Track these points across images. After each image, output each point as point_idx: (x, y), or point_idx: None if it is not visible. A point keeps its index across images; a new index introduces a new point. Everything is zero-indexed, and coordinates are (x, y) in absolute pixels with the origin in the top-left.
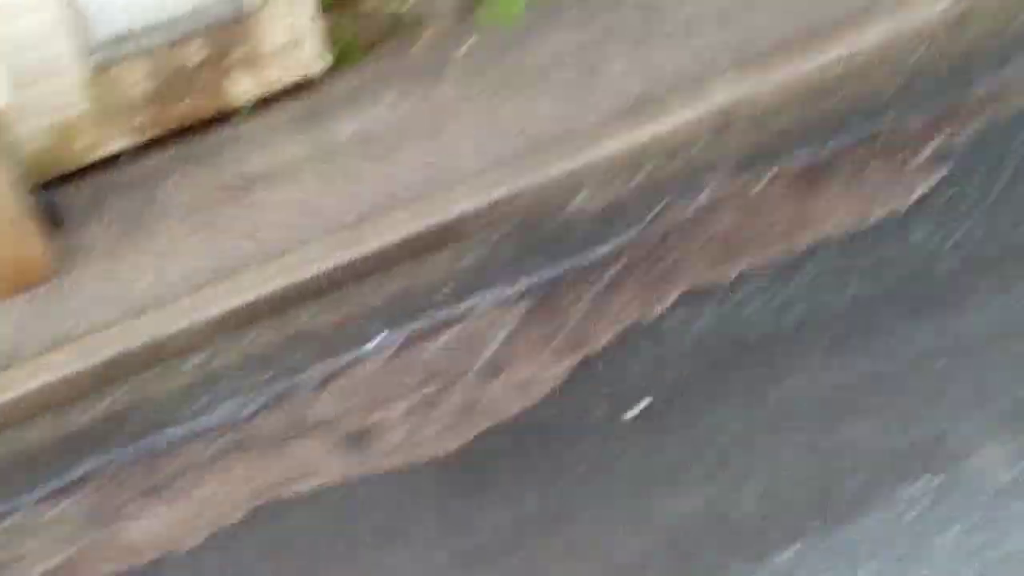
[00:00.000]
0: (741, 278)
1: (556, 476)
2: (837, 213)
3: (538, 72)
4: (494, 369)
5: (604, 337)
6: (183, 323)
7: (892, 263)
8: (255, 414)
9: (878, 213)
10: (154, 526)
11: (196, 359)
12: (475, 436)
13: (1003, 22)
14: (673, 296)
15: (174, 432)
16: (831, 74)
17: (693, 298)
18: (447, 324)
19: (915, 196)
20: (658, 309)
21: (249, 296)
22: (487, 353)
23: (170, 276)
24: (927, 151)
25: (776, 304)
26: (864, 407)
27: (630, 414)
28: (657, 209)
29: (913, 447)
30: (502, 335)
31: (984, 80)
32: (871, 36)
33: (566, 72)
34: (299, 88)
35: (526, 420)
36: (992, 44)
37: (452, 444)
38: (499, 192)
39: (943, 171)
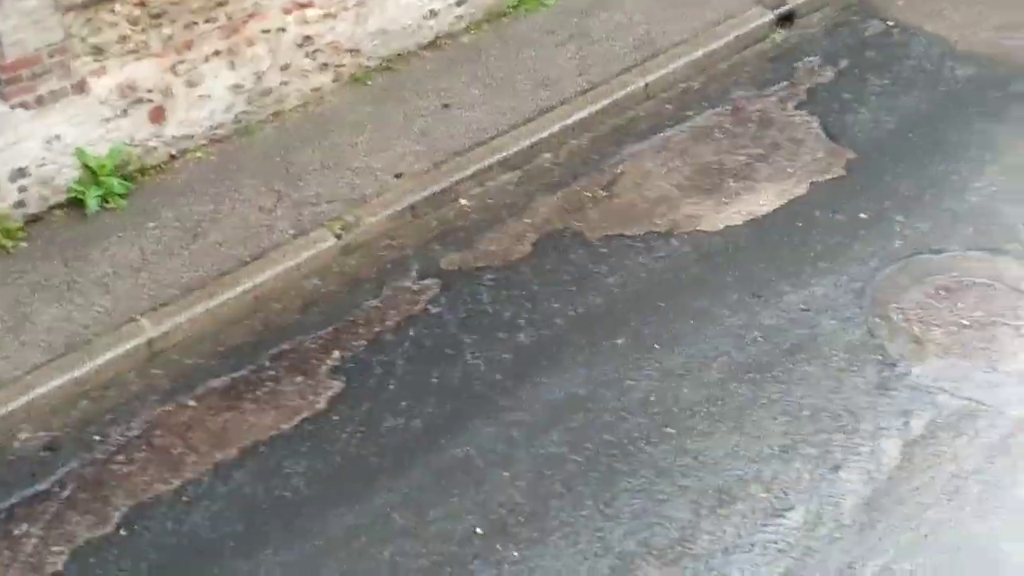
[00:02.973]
0: (184, 489)
1: None
2: (262, 422)
3: None
4: None
5: (60, 560)
6: None
7: (319, 459)
8: None
9: (296, 419)
10: None
11: None
12: None
13: (377, 255)
14: (123, 512)
15: None
16: (240, 305)
17: (143, 511)
18: None
19: (323, 400)
20: (110, 527)
21: None
22: None
23: None
24: (329, 362)
25: (218, 507)
26: None
27: None
28: (96, 438)
29: None
30: None
31: (368, 301)
32: (272, 270)
33: None
34: None
35: None
36: (371, 271)
37: None
38: None
39: (343, 376)
